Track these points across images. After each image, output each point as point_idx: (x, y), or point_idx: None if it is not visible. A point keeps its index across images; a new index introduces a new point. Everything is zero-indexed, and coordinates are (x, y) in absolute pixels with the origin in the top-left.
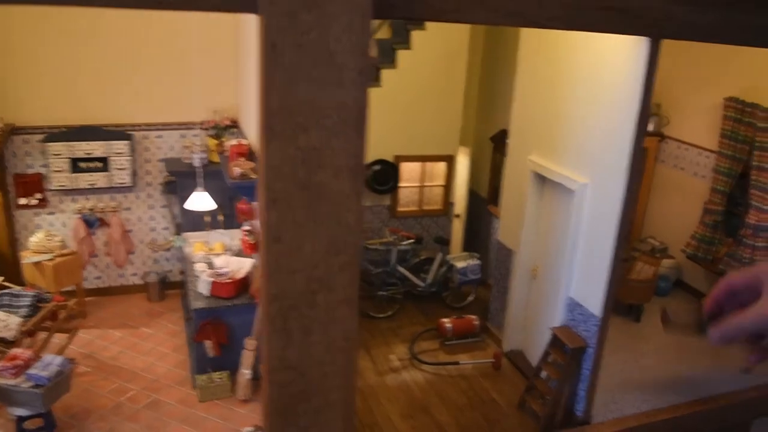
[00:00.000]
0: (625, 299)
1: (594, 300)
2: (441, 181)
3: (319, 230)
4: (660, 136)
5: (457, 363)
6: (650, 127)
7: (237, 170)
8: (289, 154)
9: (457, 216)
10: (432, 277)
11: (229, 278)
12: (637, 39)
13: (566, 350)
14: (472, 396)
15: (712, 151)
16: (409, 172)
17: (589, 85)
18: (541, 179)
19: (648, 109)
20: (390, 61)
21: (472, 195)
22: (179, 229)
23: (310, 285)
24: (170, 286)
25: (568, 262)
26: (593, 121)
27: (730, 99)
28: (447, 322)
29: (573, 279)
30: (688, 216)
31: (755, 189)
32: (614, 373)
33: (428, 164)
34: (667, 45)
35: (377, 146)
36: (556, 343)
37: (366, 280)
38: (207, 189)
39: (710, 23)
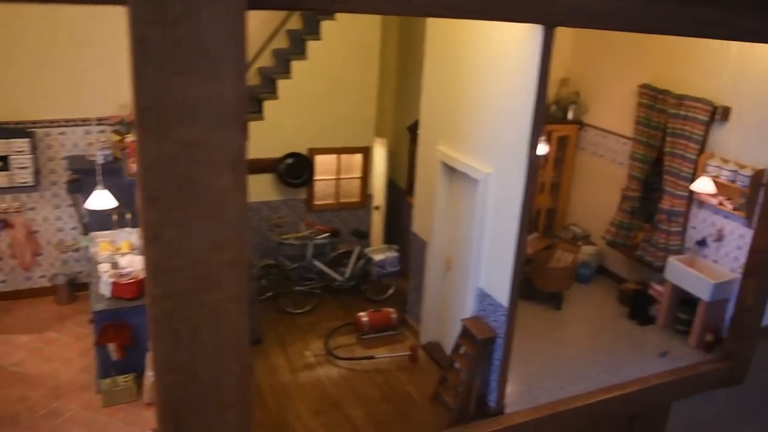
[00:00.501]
0: (545, 287)
1: (501, 290)
2: (358, 173)
3: (200, 227)
4: (579, 123)
5: (372, 357)
6: (570, 115)
7: (135, 167)
8: (165, 150)
9: (377, 208)
10: (350, 270)
11: (132, 278)
12: (532, 27)
13: (476, 341)
14: (387, 390)
15: (629, 138)
16: (324, 164)
17: (489, 75)
18: (450, 169)
19: (544, 97)
20: (300, 52)
21: (392, 186)
22: (86, 229)
23: (195, 284)
24: (80, 288)
25: (476, 252)
26: (494, 110)
27: (644, 86)
28: (363, 316)
29: (481, 269)
30: (608, 203)
31: (668, 174)
32: (532, 361)
33: (344, 156)
34: (585, 33)
35: (290, 139)
36: (466, 334)
37: (283, 276)
38: (111, 186)
39: (607, 11)
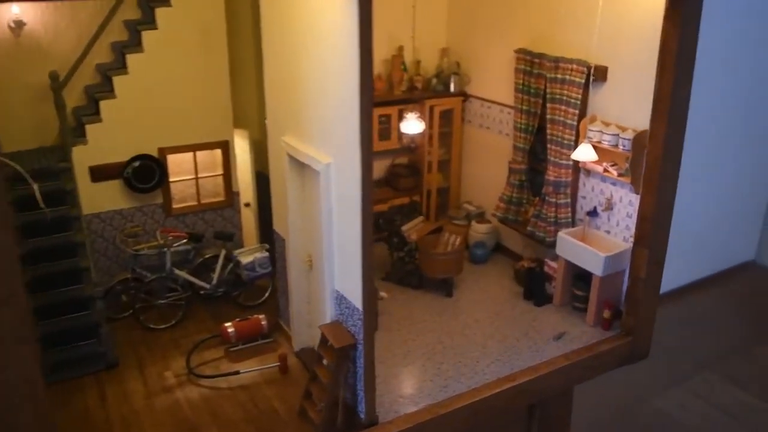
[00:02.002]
0: (434, 274)
1: (355, 292)
2: (219, 170)
3: None
4: (463, 95)
5: (237, 372)
6: (452, 87)
7: None
8: None
9: (247, 205)
10: (217, 276)
11: None
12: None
13: (333, 350)
14: (251, 408)
15: (512, 107)
16: (179, 164)
17: (317, 55)
18: (297, 162)
19: (370, 75)
20: (137, 44)
21: (262, 178)
22: None
23: None
24: None
25: (327, 251)
26: (324, 93)
27: (520, 51)
28: (230, 327)
29: (335, 270)
30: (499, 177)
31: (551, 143)
32: (414, 360)
33: (202, 153)
34: (462, 1)
35: (136, 140)
36: (324, 342)
37: (143, 290)
38: None
39: None
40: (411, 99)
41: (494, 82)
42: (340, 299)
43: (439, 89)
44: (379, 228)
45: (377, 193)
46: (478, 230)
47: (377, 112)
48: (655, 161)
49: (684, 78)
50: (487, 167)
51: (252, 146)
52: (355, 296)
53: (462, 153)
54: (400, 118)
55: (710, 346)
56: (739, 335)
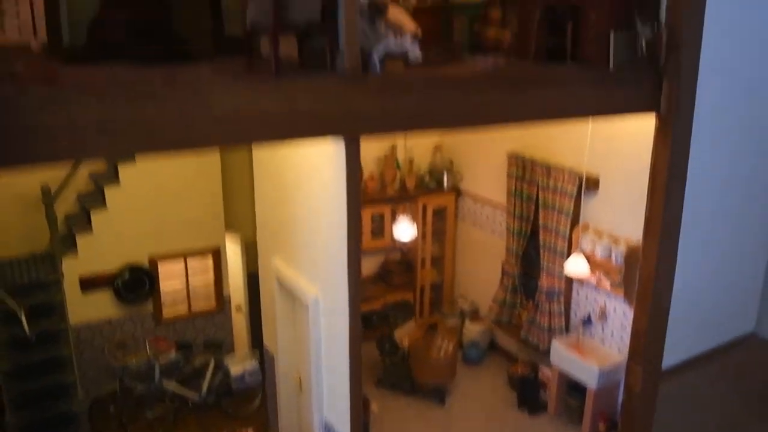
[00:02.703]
0: (426, 380)
1: (343, 425)
2: (210, 276)
3: None
4: (456, 192)
5: None
6: (445, 184)
7: None
8: None
9: (239, 309)
10: (206, 386)
11: None
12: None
13: None
14: None
15: (505, 208)
16: (170, 271)
17: (308, 187)
18: (286, 287)
19: (357, 213)
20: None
21: (254, 279)
22: None
23: None
24: None
25: (316, 378)
26: (313, 231)
27: (512, 155)
28: None
29: (324, 397)
30: (492, 274)
31: (545, 250)
32: None
33: (193, 259)
34: None
35: (127, 249)
36: None
37: (132, 402)
38: None
39: (408, 110)
40: (404, 197)
41: (487, 181)
42: (329, 429)
43: (432, 186)
44: (373, 325)
45: (370, 289)
46: (472, 329)
47: (370, 210)
48: (648, 278)
49: (675, 197)
50: (481, 264)
51: (244, 247)
52: (343, 429)
53: (455, 249)
54: (393, 215)
55: (709, 425)
56: (740, 412)
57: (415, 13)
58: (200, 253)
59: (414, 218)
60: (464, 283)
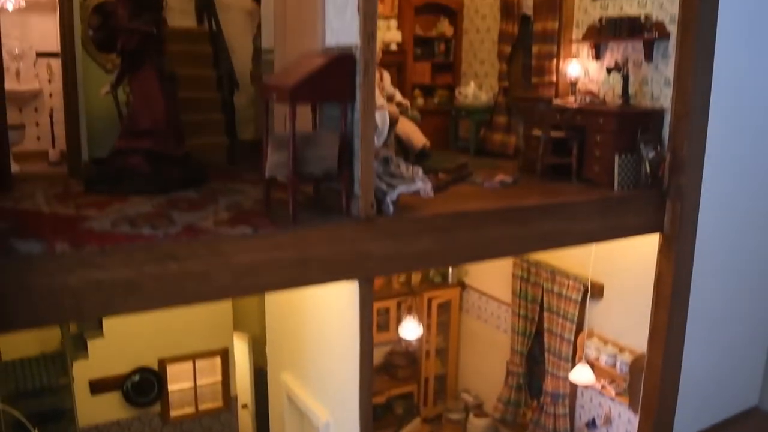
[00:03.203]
0: None
1: None
2: (218, 376)
3: None
4: (461, 285)
5: None
6: (450, 278)
7: None
8: None
9: (245, 406)
10: None
11: None
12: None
13: None
14: None
15: (509, 306)
16: (179, 372)
17: (320, 312)
18: (296, 404)
19: (370, 349)
20: None
21: (261, 376)
22: None
23: None
24: None
25: None
26: (326, 349)
27: (518, 256)
28: None
29: None
30: (497, 369)
31: (549, 353)
32: None
33: (201, 361)
34: None
35: (136, 352)
36: None
37: None
38: None
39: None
40: (409, 291)
41: (492, 278)
42: None
43: (437, 281)
44: (377, 417)
45: (375, 382)
46: (477, 424)
47: (376, 305)
48: (652, 390)
49: (679, 311)
50: (485, 358)
51: (251, 345)
52: None
53: (460, 342)
54: (399, 309)
55: None
56: None
57: (424, 114)
58: (209, 354)
59: (419, 312)
60: (468, 375)
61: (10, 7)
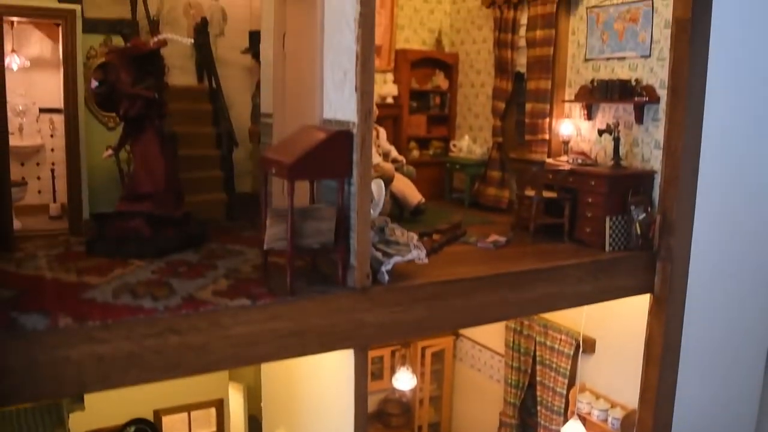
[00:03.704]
0: None
1: None
2: (213, 427)
3: None
4: (455, 334)
5: None
6: None
7: None
8: None
9: None
10: None
11: None
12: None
13: None
14: None
15: (502, 355)
16: (174, 423)
17: (315, 374)
18: None
19: (364, 416)
20: None
21: (255, 423)
22: None
23: None
24: None
25: None
26: (321, 410)
27: None
28: None
29: None
30: (490, 418)
31: (541, 406)
32: None
33: (197, 412)
34: None
35: (132, 403)
36: None
37: None
38: None
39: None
40: (404, 341)
41: (486, 327)
42: None
43: None
44: None
45: (368, 430)
46: None
47: (370, 354)
48: None
49: (670, 369)
50: (479, 407)
51: (246, 393)
52: None
53: (453, 390)
54: (393, 357)
55: None
56: None
57: (419, 166)
58: (204, 405)
59: (413, 360)
60: (462, 423)
61: (14, 67)
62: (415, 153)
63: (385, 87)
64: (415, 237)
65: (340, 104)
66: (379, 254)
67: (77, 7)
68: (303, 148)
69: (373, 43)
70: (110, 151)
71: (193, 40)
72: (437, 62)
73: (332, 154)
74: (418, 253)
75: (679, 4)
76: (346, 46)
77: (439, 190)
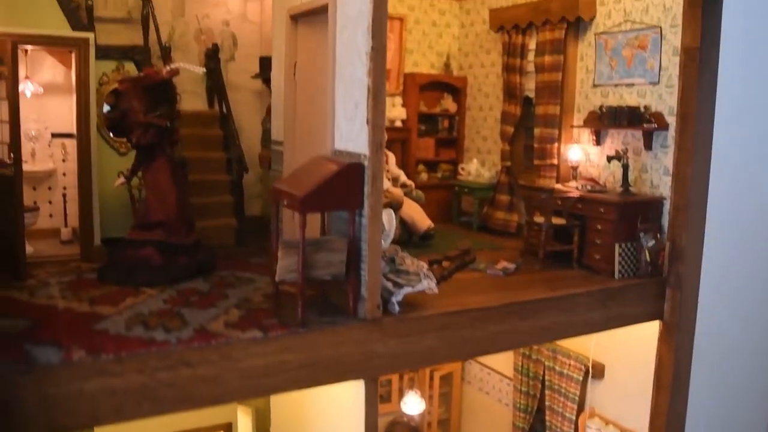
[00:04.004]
0: None
1: None
2: None
3: None
4: None
5: None
6: None
7: None
8: None
9: None
10: None
11: None
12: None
13: None
14: None
15: (511, 379)
16: None
17: (325, 402)
18: None
19: None
20: None
21: None
22: None
23: None
24: None
25: None
26: None
27: None
28: None
29: None
30: None
31: None
32: None
33: None
34: None
35: (141, 427)
36: None
37: None
38: None
39: (425, 348)
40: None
41: None
42: None
43: None
44: None
45: None
46: None
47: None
48: None
49: (680, 396)
50: (487, 430)
51: (255, 417)
52: None
53: (462, 413)
54: (401, 379)
55: None
56: None
57: (427, 189)
58: (213, 429)
59: (421, 383)
60: None
61: (28, 93)
62: (424, 176)
63: (394, 110)
64: (425, 266)
65: (351, 136)
66: (389, 284)
67: (90, 35)
68: (315, 180)
69: (384, 77)
70: (122, 179)
71: (204, 69)
72: (446, 86)
73: (344, 186)
74: (428, 283)
75: (688, 32)
76: (357, 78)
77: (448, 213)
